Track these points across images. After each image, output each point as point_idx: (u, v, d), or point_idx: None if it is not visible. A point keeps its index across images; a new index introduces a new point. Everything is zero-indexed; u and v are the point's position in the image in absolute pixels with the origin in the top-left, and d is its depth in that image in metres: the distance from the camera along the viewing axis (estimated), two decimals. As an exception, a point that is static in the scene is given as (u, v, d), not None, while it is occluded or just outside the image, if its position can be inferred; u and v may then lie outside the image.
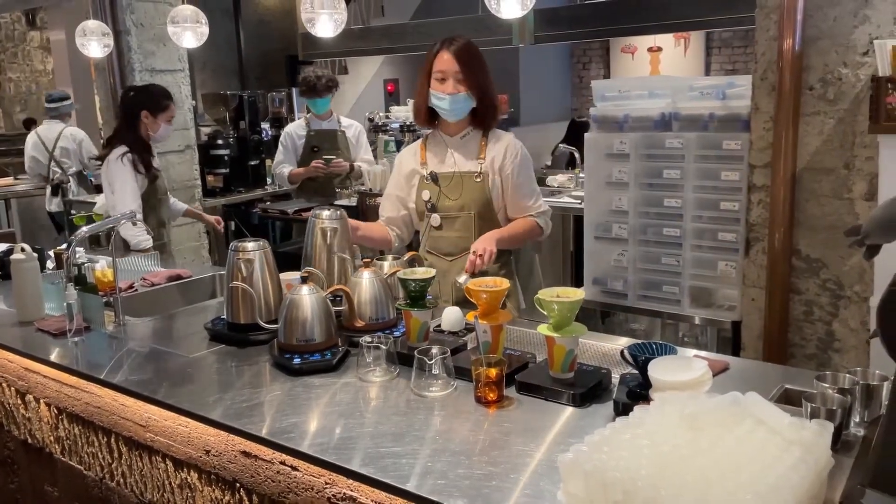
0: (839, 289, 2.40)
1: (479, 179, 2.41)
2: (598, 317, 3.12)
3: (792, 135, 2.38)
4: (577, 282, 3.06)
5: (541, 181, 5.01)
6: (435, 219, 2.47)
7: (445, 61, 2.34)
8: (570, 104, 9.20)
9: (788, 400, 1.64)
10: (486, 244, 2.29)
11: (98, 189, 5.89)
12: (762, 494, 1.01)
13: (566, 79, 9.17)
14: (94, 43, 3.46)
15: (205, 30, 3.19)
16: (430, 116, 2.46)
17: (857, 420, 1.49)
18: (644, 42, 8.52)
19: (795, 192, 2.43)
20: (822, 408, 1.40)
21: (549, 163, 6.30)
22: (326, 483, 1.51)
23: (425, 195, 2.48)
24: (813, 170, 2.39)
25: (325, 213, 2.22)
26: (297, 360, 1.88)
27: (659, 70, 8.49)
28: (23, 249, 2.37)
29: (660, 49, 8.43)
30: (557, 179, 5.13)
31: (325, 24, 2.26)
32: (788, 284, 2.48)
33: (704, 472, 1.06)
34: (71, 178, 5.78)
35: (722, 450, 1.13)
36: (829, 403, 1.41)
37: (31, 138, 6.05)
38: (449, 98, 2.34)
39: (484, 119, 2.42)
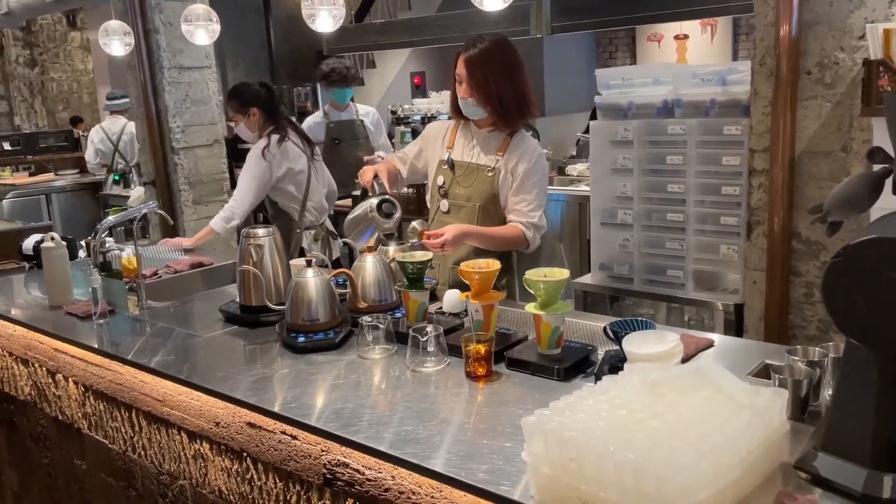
0: (838, 271, 2.42)
1: (490, 174, 2.45)
2: (608, 302, 3.17)
3: (790, 119, 2.41)
4: (591, 267, 3.12)
5: (561, 170, 5.10)
6: (444, 204, 2.55)
7: (459, 65, 2.40)
8: (596, 94, 9.18)
9: (767, 374, 1.70)
10: (454, 233, 2.27)
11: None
12: (704, 452, 1.09)
13: (592, 68, 9.14)
14: (116, 42, 3.63)
15: (216, 27, 3.32)
16: (461, 111, 2.49)
17: (830, 392, 1.54)
18: (670, 29, 8.46)
19: (794, 176, 2.46)
20: (788, 379, 1.46)
21: (573, 153, 6.33)
22: (322, 450, 1.61)
23: (440, 180, 2.55)
24: (811, 153, 2.42)
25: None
26: (301, 339, 1.99)
27: (686, 58, 8.44)
28: (52, 238, 2.53)
29: (686, 36, 8.38)
30: (577, 168, 5.18)
31: (325, 19, 2.36)
32: (789, 267, 2.51)
33: (654, 433, 1.14)
34: (133, 169, 6.18)
35: (676, 413, 1.20)
36: (795, 375, 1.47)
37: (96, 133, 6.43)
38: (461, 101, 2.43)
39: (503, 122, 2.43)
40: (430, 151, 2.63)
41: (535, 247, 2.48)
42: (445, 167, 2.54)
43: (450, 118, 2.64)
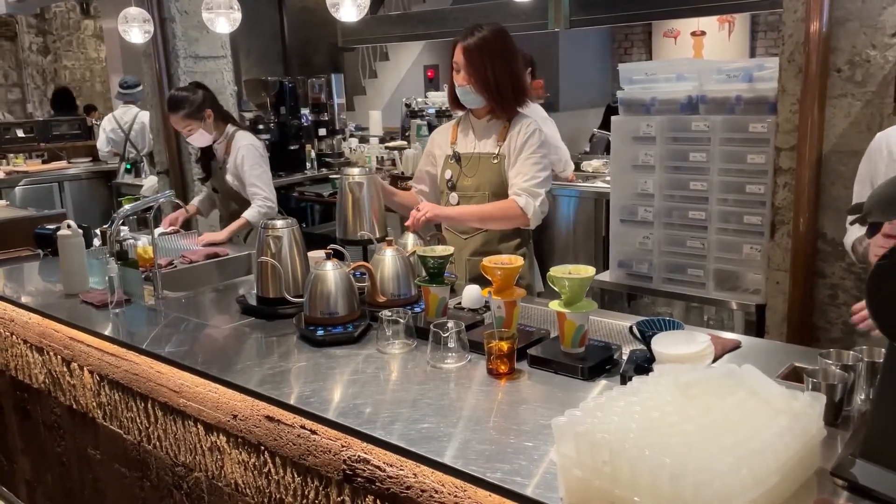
0: (864, 272, 2.38)
1: (495, 161, 2.47)
2: (625, 299, 3.14)
3: (818, 117, 2.37)
4: (608, 265, 3.08)
5: (577, 166, 5.05)
6: (453, 197, 2.56)
7: (457, 53, 2.43)
8: (611, 90, 9.13)
9: (797, 377, 1.66)
10: (429, 207, 2.39)
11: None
12: (742, 457, 1.06)
13: (607, 64, 9.10)
14: (136, 29, 3.61)
15: (237, 15, 3.29)
16: (459, 100, 2.52)
17: (863, 397, 1.51)
18: (687, 26, 8.40)
19: (821, 175, 2.41)
20: (822, 383, 1.42)
21: (587, 149, 6.28)
22: (343, 446, 1.59)
23: (447, 174, 2.58)
24: (839, 152, 2.38)
25: (356, 170, 2.34)
26: (320, 332, 1.97)
27: (702, 55, 8.37)
28: (69, 226, 2.51)
29: (703, 33, 8.31)
30: (592, 165, 5.13)
31: (349, 9, 2.35)
32: (813, 268, 2.47)
33: (689, 437, 1.11)
34: (144, 159, 6.20)
35: (710, 416, 1.17)
36: (830, 379, 1.43)
37: (108, 122, 6.42)
38: (459, 89, 2.46)
39: (500, 108, 2.46)
40: (438, 153, 2.65)
41: (535, 216, 2.42)
42: (452, 161, 2.57)
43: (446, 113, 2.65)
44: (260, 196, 3.38)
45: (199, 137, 3.42)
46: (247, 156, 3.38)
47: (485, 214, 2.44)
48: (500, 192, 2.48)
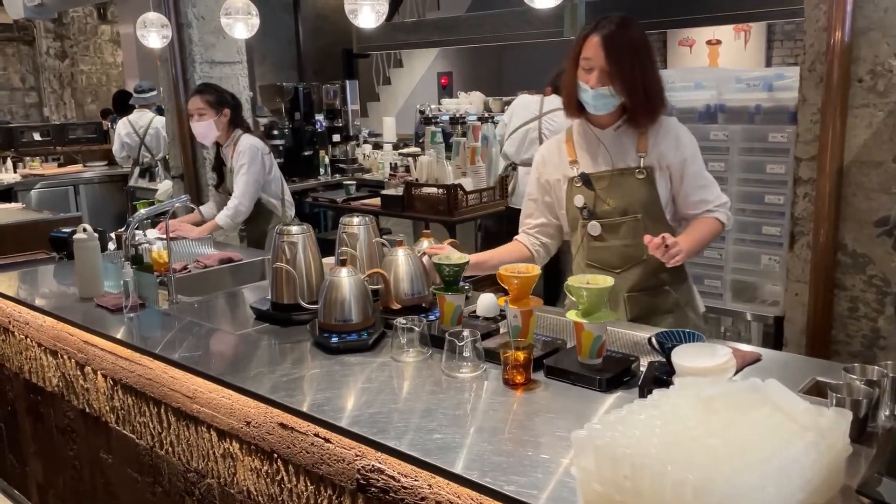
0: (885, 285, 2.35)
1: (642, 176, 2.07)
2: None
3: (839, 127, 2.34)
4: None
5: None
6: (594, 227, 2.13)
7: (592, 47, 1.99)
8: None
9: (819, 392, 1.63)
10: (682, 246, 1.91)
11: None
12: (768, 475, 1.03)
13: (622, 72, 9.06)
14: (154, 34, 3.65)
15: (255, 21, 3.31)
16: (580, 105, 2.10)
17: (888, 413, 1.48)
18: (703, 35, 8.37)
19: (842, 186, 2.38)
20: (847, 398, 1.39)
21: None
22: (356, 455, 1.57)
23: (578, 201, 2.15)
24: (861, 163, 2.35)
25: (355, 219, 2.30)
26: (334, 339, 1.96)
27: (718, 63, 8.33)
28: (84, 230, 2.51)
29: (719, 42, 8.27)
30: (607, 173, 5.11)
31: (368, 15, 2.33)
32: (833, 280, 2.44)
33: (713, 452, 1.08)
34: (158, 163, 6.25)
35: (734, 431, 1.14)
36: (854, 394, 1.40)
37: (123, 126, 6.45)
38: (592, 92, 2.02)
39: (637, 116, 2.06)
40: (554, 178, 2.23)
41: (731, 224, 2.18)
42: (579, 185, 2.13)
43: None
44: (236, 196, 3.52)
45: (204, 127, 3.57)
46: (242, 153, 3.53)
47: (705, 242, 2.10)
48: (654, 211, 2.09)
